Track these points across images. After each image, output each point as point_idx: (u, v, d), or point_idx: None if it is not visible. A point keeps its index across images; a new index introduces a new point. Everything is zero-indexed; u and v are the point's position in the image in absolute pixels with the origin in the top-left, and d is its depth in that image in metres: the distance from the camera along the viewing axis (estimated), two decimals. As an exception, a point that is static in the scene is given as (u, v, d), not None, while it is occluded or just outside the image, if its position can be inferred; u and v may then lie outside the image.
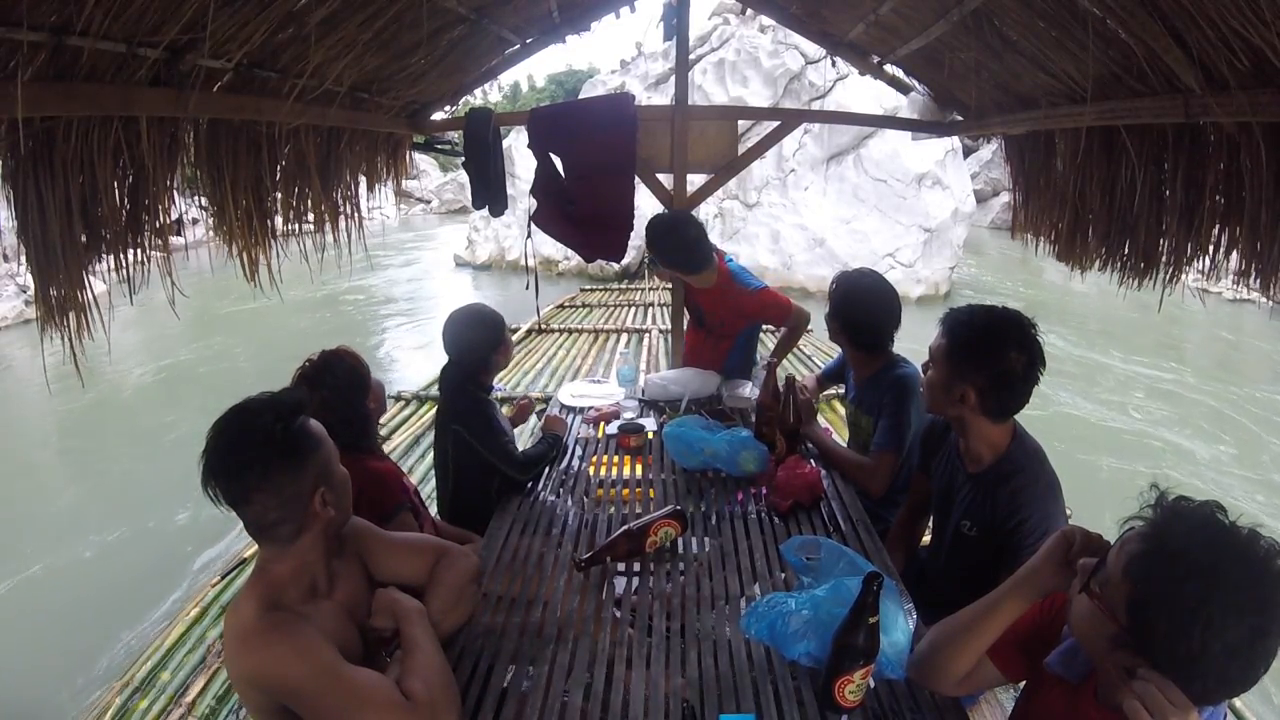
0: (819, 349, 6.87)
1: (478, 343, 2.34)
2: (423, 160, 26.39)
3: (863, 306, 2.35)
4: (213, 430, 1.24)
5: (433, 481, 4.06)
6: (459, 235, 16.28)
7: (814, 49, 3.80)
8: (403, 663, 1.32)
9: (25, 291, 10.26)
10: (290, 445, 1.26)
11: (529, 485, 2.29)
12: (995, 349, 1.67)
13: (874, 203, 12.50)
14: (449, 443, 2.29)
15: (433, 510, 2.49)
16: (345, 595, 1.40)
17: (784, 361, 3.72)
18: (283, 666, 1.18)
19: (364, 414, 2.05)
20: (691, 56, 13.50)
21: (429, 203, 27.52)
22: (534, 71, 44.75)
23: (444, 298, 13.18)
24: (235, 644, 1.23)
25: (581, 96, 13.47)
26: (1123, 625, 0.98)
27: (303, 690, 1.18)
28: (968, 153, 19.41)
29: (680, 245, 2.86)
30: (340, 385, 1.97)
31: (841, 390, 2.91)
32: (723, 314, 3.03)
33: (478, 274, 14.74)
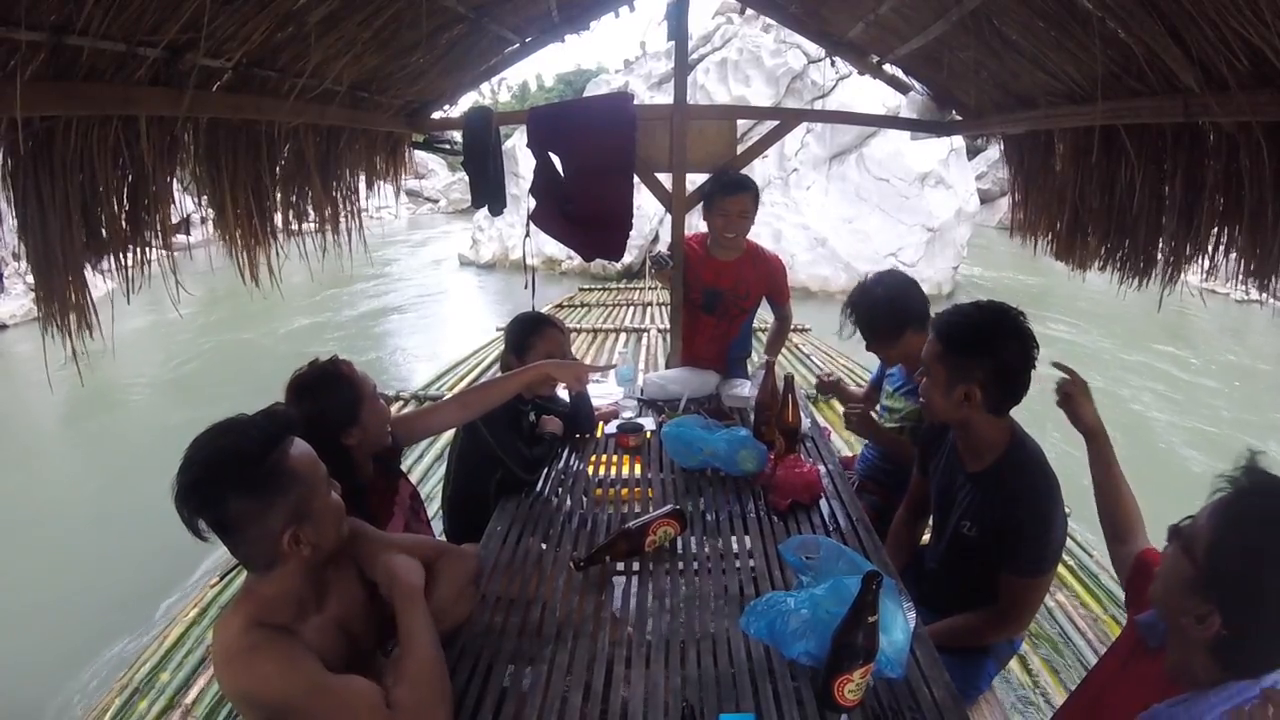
0: (817, 348, 6.88)
1: (506, 339, 2.43)
2: (431, 159, 26.44)
3: (885, 293, 2.36)
4: (186, 453, 1.18)
5: (432, 481, 4.11)
6: (466, 234, 16.28)
7: (817, 48, 3.81)
8: (396, 665, 1.31)
9: (33, 289, 10.14)
10: (256, 487, 1.17)
11: (526, 484, 2.28)
12: (991, 342, 1.68)
13: (876, 202, 12.50)
14: (461, 429, 2.30)
15: (434, 507, 2.48)
16: (338, 606, 1.36)
17: (782, 361, 3.73)
18: (268, 685, 1.16)
19: (338, 448, 1.76)
20: (694, 56, 13.56)
21: (437, 202, 27.62)
22: (543, 71, 44.74)
23: (448, 296, 13.20)
24: (221, 663, 1.21)
25: (584, 96, 13.47)
26: (1199, 567, 1.04)
27: (289, 706, 1.17)
28: (975, 153, 19.37)
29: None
30: (317, 414, 1.69)
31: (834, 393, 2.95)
32: (750, 283, 3.10)
33: (481, 273, 14.75)
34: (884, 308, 2.35)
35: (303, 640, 1.23)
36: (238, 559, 1.26)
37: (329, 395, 1.77)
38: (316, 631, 1.29)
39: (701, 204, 3.09)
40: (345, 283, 12.15)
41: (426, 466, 4.43)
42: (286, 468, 1.21)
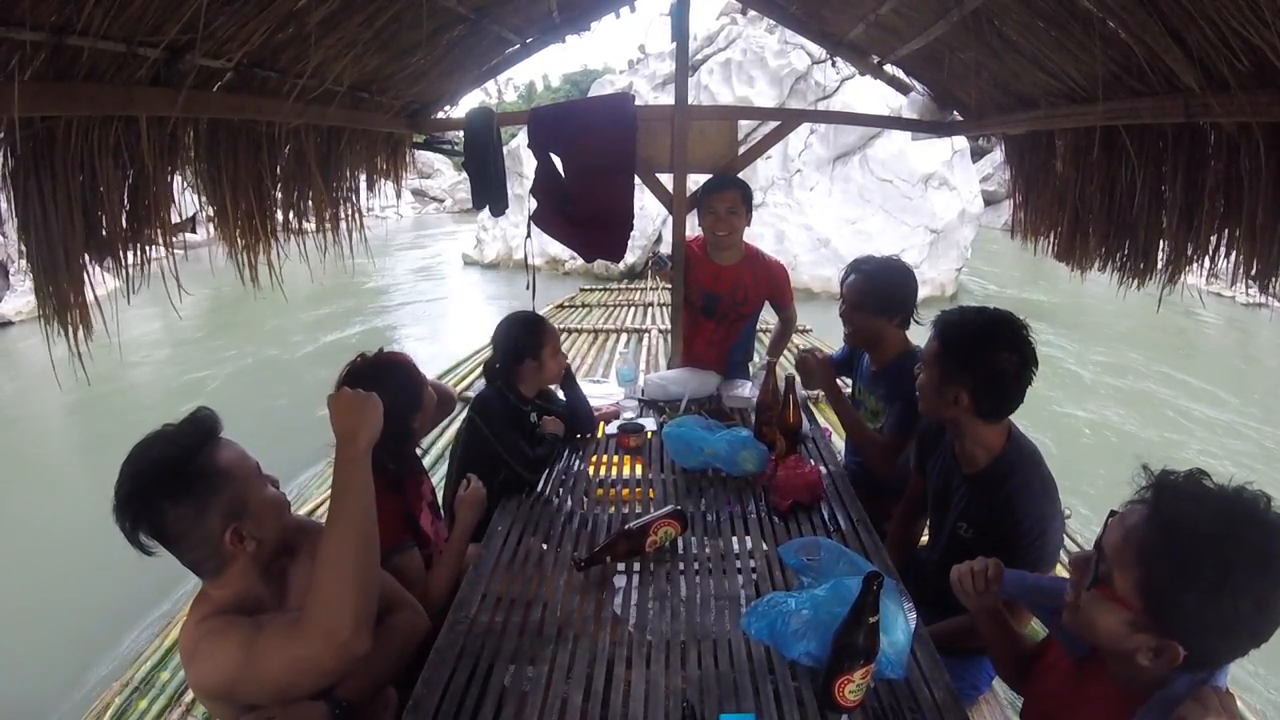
0: (818, 348, 6.83)
1: (506, 344, 2.39)
2: (436, 159, 26.46)
3: (896, 273, 2.37)
4: (120, 470, 1.20)
5: (433, 480, 4.10)
6: (471, 234, 16.28)
7: (820, 49, 3.83)
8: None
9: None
10: (188, 490, 1.20)
11: (528, 485, 2.28)
12: (986, 350, 1.67)
13: (880, 203, 12.48)
14: (464, 430, 2.31)
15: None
16: (300, 599, 1.33)
17: (783, 362, 3.72)
18: (212, 673, 1.19)
19: (407, 432, 1.89)
20: (698, 56, 13.56)
21: (443, 201, 27.73)
22: (549, 71, 44.69)
23: (451, 296, 13.19)
24: (186, 665, 1.24)
25: (586, 96, 13.46)
26: (1139, 609, 0.98)
27: (236, 685, 1.19)
28: (981, 154, 19.23)
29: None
30: (389, 398, 1.70)
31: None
32: (748, 288, 3.09)
33: (485, 273, 14.76)
34: (896, 277, 2.36)
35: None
36: (187, 566, 1.26)
37: (393, 380, 1.82)
38: None
39: (697, 211, 3.09)
40: (339, 295, 11.96)
41: (428, 466, 4.42)
42: (215, 468, 1.24)
